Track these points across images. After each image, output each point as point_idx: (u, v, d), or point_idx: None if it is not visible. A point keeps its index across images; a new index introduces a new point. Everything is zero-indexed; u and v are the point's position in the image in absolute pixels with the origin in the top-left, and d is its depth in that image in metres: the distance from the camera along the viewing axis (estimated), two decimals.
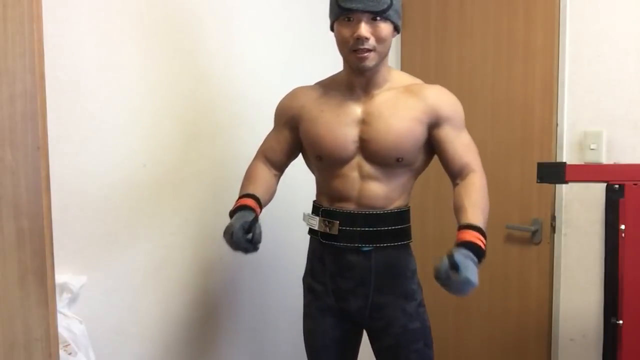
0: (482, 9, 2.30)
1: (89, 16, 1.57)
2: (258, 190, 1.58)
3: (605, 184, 1.58)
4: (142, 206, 1.73)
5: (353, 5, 1.38)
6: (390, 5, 1.40)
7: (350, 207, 1.52)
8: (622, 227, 1.54)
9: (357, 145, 1.50)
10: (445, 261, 1.24)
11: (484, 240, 1.31)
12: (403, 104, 1.48)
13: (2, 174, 1.06)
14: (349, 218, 1.51)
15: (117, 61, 1.65)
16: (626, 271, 1.53)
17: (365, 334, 1.66)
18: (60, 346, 1.36)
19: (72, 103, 1.54)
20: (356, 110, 1.51)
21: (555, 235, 2.14)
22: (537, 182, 1.66)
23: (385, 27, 1.41)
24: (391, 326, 1.53)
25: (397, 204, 1.53)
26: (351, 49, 1.42)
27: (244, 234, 1.41)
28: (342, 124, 1.50)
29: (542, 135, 2.14)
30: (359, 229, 1.51)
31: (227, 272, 2.01)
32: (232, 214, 1.51)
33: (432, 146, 1.52)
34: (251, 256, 2.07)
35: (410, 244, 1.58)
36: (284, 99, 1.65)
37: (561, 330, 2.15)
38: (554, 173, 1.63)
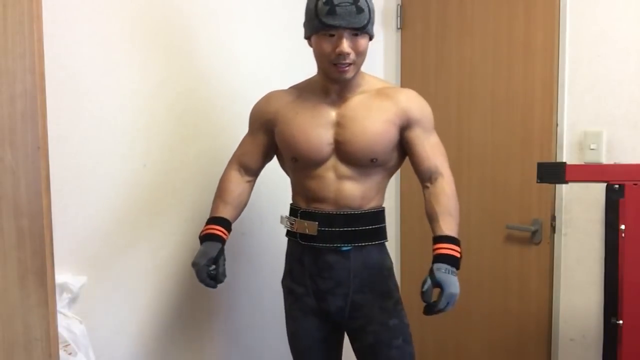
0: (482, 9, 2.30)
1: (89, 16, 1.57)
2: (228, 209, 1.64)
3: (605, 184, 1.58)
4: (142, 206, 1.73)
5: (336, 23, 1.40)
6: (369, 20, 1.45)
7: (328, 207, 1.55)
8: (622, 227, 1.54)
9: (332, 147, 1.53)
10: (429, 282, 1.39)
11: (458, 249, 1.44)
12: (376, 107, 1.52)
13: (2, 174, 1.06)
14: (327, 218, 1.54)
15: (117, 61, 1.65)
16: (626, 271, 1.53)
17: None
18: (60, 346, 1.36)
19: (72, 103, 1.54)
20: (331, 113, 1.54)
21: (555, 235, 2.14)
22: (537, 182, 1.66)
23: (363, 42, 1.46)
24: (370, 324, 1.56)
25: (373, 203, 1.58)
26: (332, 62, 1.46)
27: (208, 273, 1.54)
28: (316, 126, 1.53)
29: (542, 135, 2.14)
30: (338, 229, 1.54)
31: (227, 272, 2.01)
32: (201, 239, 1.60)
33: (403, 147, 1.58)
34: (252, 256, 2.07)
35: (386, 243, 1.63)
36: (258, 102, 1.67)
37: (561, 330, 2.15)
38: (554, 173, 1.63)
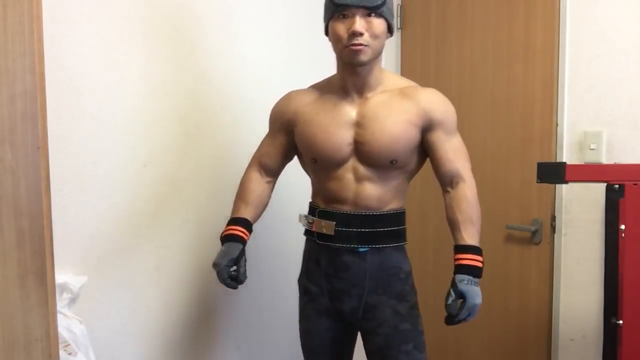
0: (482, 9, 2.30)
1: (89, 16, 1.57)
2: (249, 210, 1.63)
3: (605, 184, 1.58)
4: (142, 206, 1.73)
5: (348, 1, 1.40)
6: (384, 3, 1.42)
7: (346, 208, 1.54)
8: (622, 227, 1.54)
9: (351, 148, 1.51)
10: (453, 295, 1.40)
11: (480, 259, 1.44)
12: (397, 107, 1.49)
13: (2, 174, 1.06)
14: (345, 219, 1.53)
15: (117, 61, 1.65)
16: (626, 271, 1.53)
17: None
18: (60, 346, 1.36)
19: (72, 103, 1.54)
20: (351, 112, 1.52)
21: (555, 235, 2.14)
22: (537, 182, 1.66)
23: (379, 24, 1.43)
24: (382, 326, 1.54)
25: (392, 205, 1.55)
26: (345, 44, 1.44)
27: (228, 274, 1.53)
28: (336, 126, 1.51)
29: (542, 135, 2.14)
30: (355, 229, 1.53)
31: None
32: (222, 239, 1.59)
33: (425, 149, 1.55)
34: (251, 257, 2.07)
35: (405, 246, 1.60)
36: (278, 103, 1.66)
37: (561, 330, 2.15)
38: (554, 173, 1.63)
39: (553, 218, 2.14)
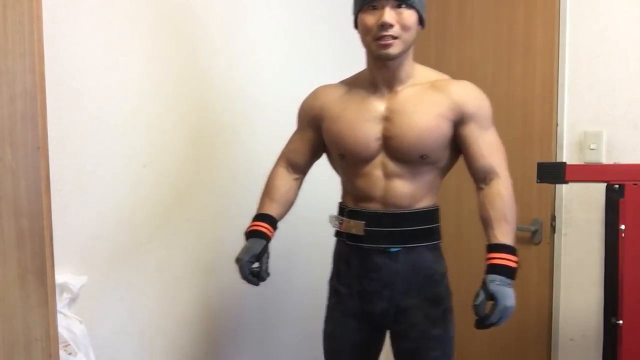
0: (482, 9, 2.30)
1: (89, 16, 1.57)
2: (275, 207, 1.61)
3: (605, 184, 1.58)
4: (142, 206, 1.73)
5: None
6: None
7: (375, 206, 1.48)
8: (622, 227, 1.54)
9: (380, 143, 1.46)
10: (482, 295, 1.34)
11: (514, 258, 1.36)
12: (428, 100, 1.44)
13: (2, 174, 1.06)
14: (374, 218, 1.48)
15: (118, 61, 1.65)
16: (626, 271, 1.53)
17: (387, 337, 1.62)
18: (60, 346, 1.36)
19: (72, 103, 1.54)
20: (379, 107, 1.47)
21: (555, 235, 2.14)
22: (537, 182, 1.66)
23: (410, 15, 1.38)
24: (412, 330, 1.49)
25: (423, 203, 1.50)
26: (375, 36, 1.39)
27: (250, 271, 1.51)
28: (364, 121, 1.46)
29: (542, 135, 2.14)
30: (385, 229, 1.47)
31: (228, 272, 2.01)
32: (246, 235, 1.57)
33: (458, 144, 1.49)
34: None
35: (440, 245, 1.55)
36: (306, 98, 1.62)
37: (561, 330, 2.15)
38: (554, 173, 1.63)
39: (553, 218, 2.14)
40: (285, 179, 1.65)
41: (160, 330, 1.81)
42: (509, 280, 1.34)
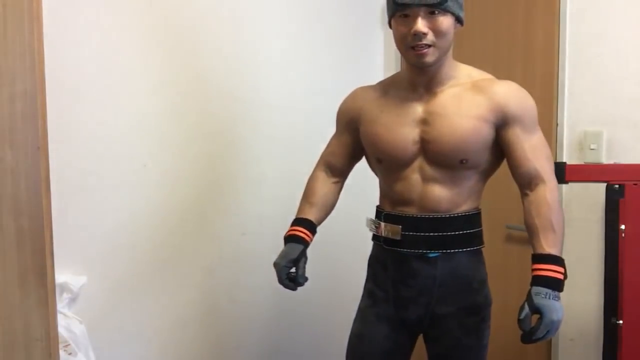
0: (482, 9, 2.30)
1: (89, 16, 1.57)
2: (313, 211, 1.58)
3: (605, 184, 1.58)
4: (142, 206, 1.73)
5: (408, 0, 1.30)
6: None
7: (412, 211, 1.44)
8: (622, 227, 1.54)
9: (418, 147, 1.42)
10: (527, 309, 1.29)
11: (561, 270, 1.32)
12: (468, 102, 1.38)
13: (2, 174, 1.06)
14: (412, 222, 1.43)
15: (118, 61, 1.65)
16: (626, 271, 1.53)
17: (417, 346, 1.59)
18: (60, 346, 1.36)
19: (72, 103, 1.54)
20: (417, 109, 1.42)
21: None
22: None
23: (444, 20, 1.31)
24: (445, 336, 1.46)
25: (464, 207, 1.44)
26: (409, 45, 1.34)
27: (287, 275, 1.50)
28: (401, 124, 1.42)
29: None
30: (423, 234, 1.43)
31: (227, 272, 2.01)
32: (285, 240, 1.55)
33: (501, 147, 1.43)
34: (253, 256, 2.07)
35: (482, 250, 1.50)
36: (344, 100, 1.59)
37: (561, 330, 2.14)
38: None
39: None
40: (323, 183, 1.61)
41: (159, 330, 1.81)
42: (555, 293, 1.29)
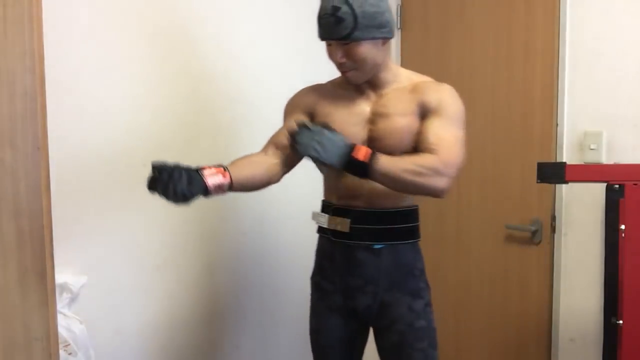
0: (482, 9, 2.30)
1: (89, 16, 1.57)
2: (233, 164, 1.47)
3: (605, 184, 1.58)
4: (142, 206, 1.73)
5: (321, 34, 1.45)
6: (355, 27, 1.39)
7: (360, 204, 1.52)
8: (622, 227, 1.54)
9: (366, 145, 1.48)
10: (311, 125, 1.38)
11: (363, 160, 1.36)
12: (406, 101, 1.49)
13: (2, 174, 1.06)
14: (360, 216, 1.52)
15: (117, 61, 1.65)
16: (626, 271, 1.53)
17: (371, 333, 1.65)
18: (60, 346, 1.36)
19: (72, 103, 1.54)
20: (365, 109, 1.53)
21: (555, 235, 2.14)
22: (537, 182, 1.66)
23: (358, 49, 1.42)
24: (397, 323, 1.53)
25: (406, 203, 1.55)
26: (338, 68, 1.49)
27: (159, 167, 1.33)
28: (352, 124, 1.51)
29: (542, 135, 2.14)
30: (371, 226, 1.52)
31: (228, 272, 2.01)
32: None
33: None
34: (253, 256, 2.08)
35: (419, 243, 1.60)
36: (296, 94, 1.62)
37: (561, 330, 2.15)
38: (554, 173, 1.63)
39: (553, 218, 2.14)
40: (260, 156, 1.55)
41: (160, 330, 1.81)
42: (343, 150, 1.36)
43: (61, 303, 1.48)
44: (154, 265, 1.78)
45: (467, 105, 2.23)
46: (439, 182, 1.38)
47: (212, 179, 1.38)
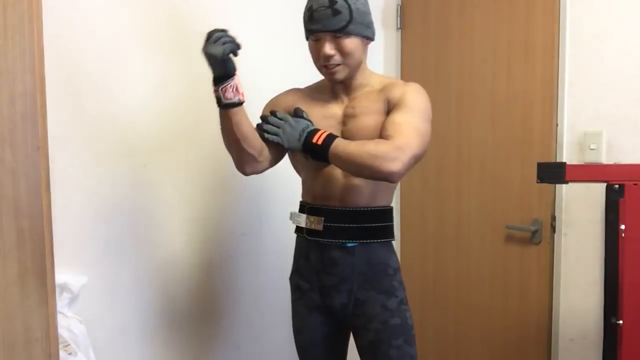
0: (482, 9, 2.30)
1: (89, 16, 1.57)
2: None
3: (605, 184, 1.58)
4: (142, 206, 1.73)
5: (314, 27, 1.48)
6: (350, 20, 1.46)
7: (334, 203, 1.56)
8: (622, 227, 1.54)
9: None
10: (286, 116, 1.52)
11: (319, 143, 1.45)
12: (373, 100, 1.54)
13: (2, 174, 1.06)
14: (333, 214, 1.56)
15: (118, 61, 1.65)
16: (626, 271, 1.53)
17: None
18: (60, 346, 1.36)
19: (72, 103, 1.54)
20: (338, 112, 1.58)
21: (556, 235, 2.14)
22: (537, 182, 1.66)
23: (349, 42, 1.48)
24: (372, 322, 1.56)
25: (380, 202, 1.58)
26: (321, 64, 1.52)
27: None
28: (327, 126, 1.54)
29: (542, 135, 2.14)
30: (343, 225, 1.56)
31: (227, 272, 2.01)
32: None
33: None
34: (253, 256, 2.08)
35: (393, 243, 1.63)
36: (276, 96, 1.68)
37: (561, 330, 2.15)
38: (554, 173, 1.63)
39: (553, 218, 2.14)
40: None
41: (160, 330, 1.81)
42: (307, 139, 1.47)
43: (61, 303, 1.48)
44: (154, 265, 1.78)
45: (467, 106, 2.24)
46: (391, 166, 1.38)
47: (236, 86, 1.49)
